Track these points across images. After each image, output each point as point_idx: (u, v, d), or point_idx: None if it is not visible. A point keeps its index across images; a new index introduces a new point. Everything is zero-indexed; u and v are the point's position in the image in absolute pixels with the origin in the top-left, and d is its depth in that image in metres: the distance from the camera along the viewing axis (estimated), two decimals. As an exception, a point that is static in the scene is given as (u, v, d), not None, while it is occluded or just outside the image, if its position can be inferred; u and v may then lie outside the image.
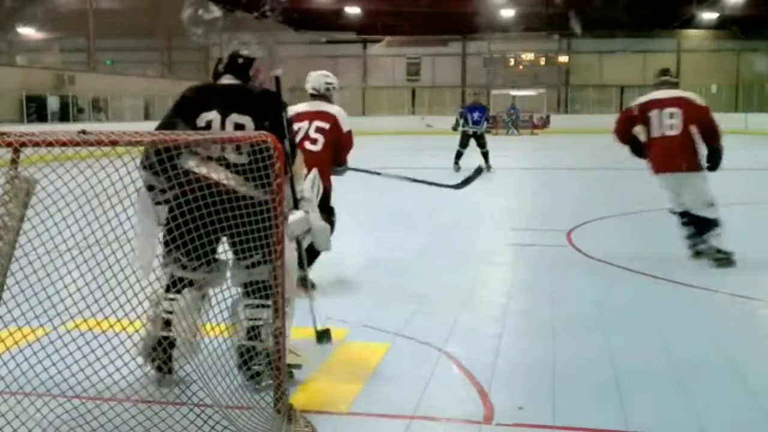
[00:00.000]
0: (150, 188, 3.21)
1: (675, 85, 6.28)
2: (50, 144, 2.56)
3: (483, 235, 7.81)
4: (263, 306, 3.25)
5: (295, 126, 5.44)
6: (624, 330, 4.33)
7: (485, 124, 14.77)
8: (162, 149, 2.92)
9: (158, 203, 3.22)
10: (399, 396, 3.32)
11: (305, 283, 4.06)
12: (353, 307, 4.87)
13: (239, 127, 3.41)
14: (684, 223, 6.18)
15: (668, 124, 5.90)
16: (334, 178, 5.55)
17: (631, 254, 6.50)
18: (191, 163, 3.18)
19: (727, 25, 33.02)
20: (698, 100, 6.09)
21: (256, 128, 3.34)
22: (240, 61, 3.60)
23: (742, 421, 3.09)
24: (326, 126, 5.43)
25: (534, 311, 4.81)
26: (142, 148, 3.10)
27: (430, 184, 6.56)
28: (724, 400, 3.30)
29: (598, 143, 16.76)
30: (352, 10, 33.66)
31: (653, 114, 5.99)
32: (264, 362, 3.28)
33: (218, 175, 3.15)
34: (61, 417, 2.86)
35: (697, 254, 6.11)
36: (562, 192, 11.89)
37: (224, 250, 3.39)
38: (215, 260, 3.35)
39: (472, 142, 14.44)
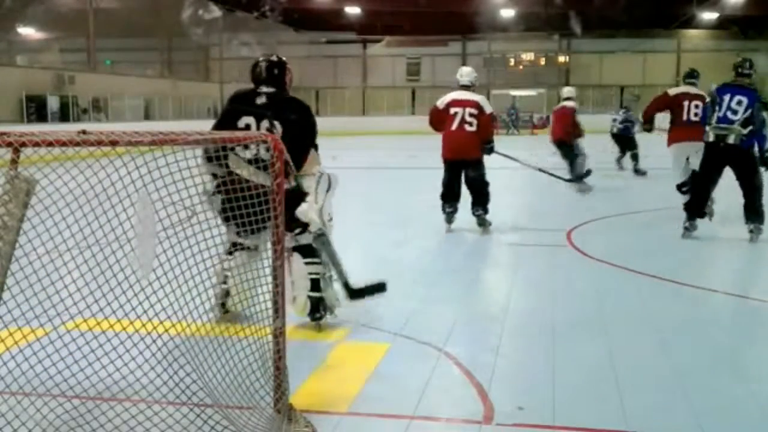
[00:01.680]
0: (213, 176, 3.80)
1: (696, 86, 8.59)
2: (50, 144, 2.56)
3: (483, 235, 7.81)
4: (314, 263, 4.23)
5: (452, 111, 7.67)
6: (624, 330, 4.33)
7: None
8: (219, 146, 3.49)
9: (217, 191, 3.71)
10: (399, 396, 3.32)
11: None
12: (353, 307, 4.87)
13: (269, 130, 4.09)
14: (683, 189, 8.09)
15: (695, 111, 8.12)
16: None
17: (631, 254, 6.50)
18: (233, 165, 3.89)
19: (727, 25, 33.01)
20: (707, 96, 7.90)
21: (284, 131, 4.06)
22: (275, 71, 4.30)
23: (742, 421, 3.09)
24: (476, 112, 7.51)
25: (534, 311, 4.81)
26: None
27: (559, 177, 9.10)
28: (724, 400, 3.30)
29: (598, 143, 16.74)
30: (352, 10, 33.63)
31: (684, 102, 8.25)
32: (324, 309, 4.29)
33: (251, 175, 3.79)
34: (61, 417, 2.86)
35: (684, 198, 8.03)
36: (562, 192, 11.88)
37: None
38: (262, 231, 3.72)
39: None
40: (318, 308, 4.27)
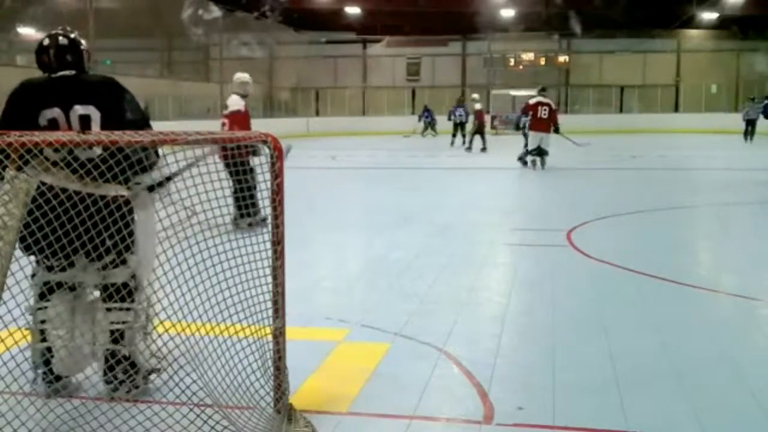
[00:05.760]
0: None
1: (545, 96, 15.14)
2: (50, 144, 2.56)
3: (483, 235, 7.81)
4: (123, 309, 3.19)
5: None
6: (624, 330, 4.33)
7: None
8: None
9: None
10: (399, 396, 3.32)
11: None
12: (353, 307, 4.87)
13: (85, 118, 3.22)
14: (532, 153, 14.79)
15: (543, 112, 14.55)
16: None
17: (631, 254, 6.50)
18: (32, 172, 2.85)
19: (727, 25, 32.98)
20: (553, 104, 15.17)
21: (103, 117, 3.23)
22: (68, 57, 3.35)
23: (742, 421, 3.08)
24: (226, 112, 8.07)
25: (534, 311, 4.81)
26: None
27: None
28: (724, 400, 3.29)
29: (597, 143, 16.79)
30: (352, 10, 33.63)
31: (539, 108, 14.62)
32: (127, 369, 3.21)
33: (67, 183, 2.94)
34: (61, 417, 2.86)
35: (529, 163, 15.01)
36: (562, 192, 11.88)
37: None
38: (84, 258, 3.09)
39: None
40: (115, 369, 3.19)
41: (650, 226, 8.37)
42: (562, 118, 15.84)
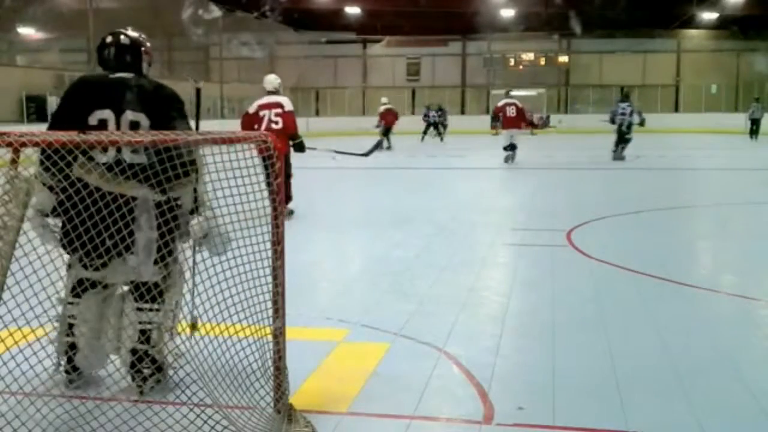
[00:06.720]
0: (50, 188, 3.08)
1: (512, 98, 16.97)
2: (50, 144, 2.56)
3: (483, 235, 7.81)
4: (152, 309, 3.23)
5: (260, 113, 8.23)
6: (624, 330, 4.33)
7: None
8: (53, 151, 2.74)
9: (57, 205, 3.08)
10: (399, 396, 3.32)
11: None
12: (353, 307, 4.87)
13: (134, 125, 3.26)
14: (507, 149, 16.16)
15: (510, 111, 16.22)
16: None
17: (631, 254, 6.50)
18: (80, 171, 2.95)
19: (727, 25, 32.99)
20: (519, 104, 16.62)
21: (152, 126, 3.25)
22: (128, 58, 3.40)
23: (742, 421, 3.08)
24: (280, 111, 8.30)
25: (534, 311, 4.81)
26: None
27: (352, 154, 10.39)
28: (724, 400, 3.29)
29: (598, 143, 16.80)
30: (352, 10, 33.64)
31: (506, 108, 16.30)
32: (149, 365, 3.23)
33: (107, 184, 3.03)
34: (61, 417, 2.86)
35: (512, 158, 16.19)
36: (562, 192, 11.88)
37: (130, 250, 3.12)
38: (118, 259, 3.13)
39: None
40: (140, 365, 3.23)
41: (650, 226, 8.37)
42: (561, 118, 16.95)
